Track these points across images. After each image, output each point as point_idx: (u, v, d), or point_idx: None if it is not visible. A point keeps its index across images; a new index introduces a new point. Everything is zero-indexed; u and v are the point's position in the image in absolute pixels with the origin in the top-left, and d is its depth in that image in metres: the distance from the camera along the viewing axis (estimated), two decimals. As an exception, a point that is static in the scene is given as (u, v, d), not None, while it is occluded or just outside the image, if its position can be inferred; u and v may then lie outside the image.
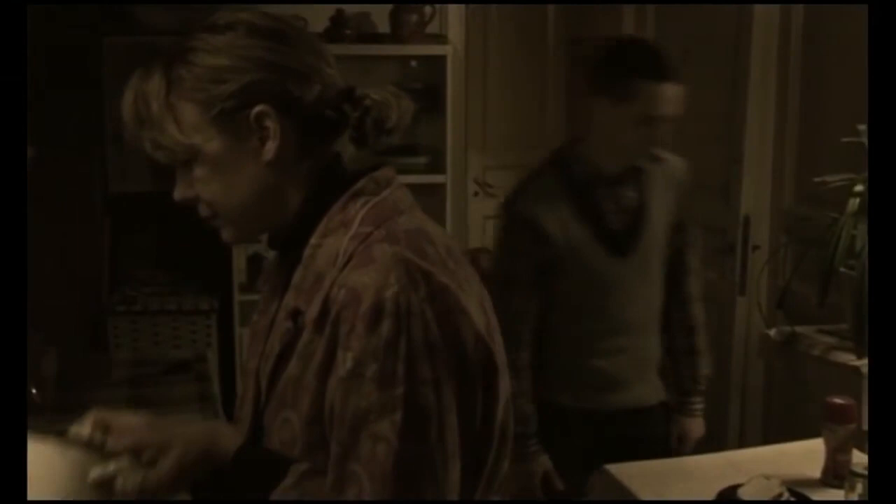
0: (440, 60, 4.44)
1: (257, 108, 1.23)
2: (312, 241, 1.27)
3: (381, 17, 4.47)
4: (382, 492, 1.14)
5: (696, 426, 2.68)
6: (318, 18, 4.32)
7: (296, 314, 1.25)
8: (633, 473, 2.30)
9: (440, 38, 4.59)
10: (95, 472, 1.21)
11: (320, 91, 1.27)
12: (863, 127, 2.91)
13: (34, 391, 2.44)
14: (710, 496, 2.16)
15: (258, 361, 1.33)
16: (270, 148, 1.25)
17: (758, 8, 3.73)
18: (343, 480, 1.16)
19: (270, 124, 1.24)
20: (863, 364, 2.85)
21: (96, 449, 1.24)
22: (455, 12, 4.71)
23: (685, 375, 2.68)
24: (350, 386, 1.16)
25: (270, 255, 1.42)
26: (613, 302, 2.50)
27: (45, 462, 1.21)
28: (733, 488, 2.14)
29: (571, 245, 2.43)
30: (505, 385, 1.28)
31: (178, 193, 1.31)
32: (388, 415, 1.14)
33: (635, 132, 2.37)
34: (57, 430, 1.28)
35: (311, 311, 1.22)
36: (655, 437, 2.63)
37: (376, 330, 1.14)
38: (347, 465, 1.16)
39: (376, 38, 4.48)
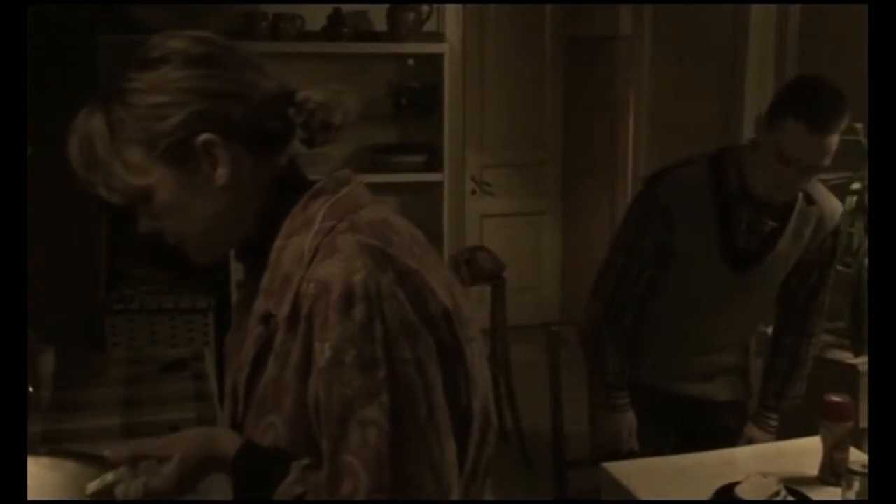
0: (437, 59, 4.44)
1: (202, 138, 1.23)
2: (277, 243, 1.27)
3: (378, 15, 4.47)
4: (379, 478, 1.14)
5: (765, 438, 2.73)
6: (315, 17, 4.32)
7: (267, 318, 1.24)
8: (631, 471, 2.30)
9: (437, 37, 4.58)
10: (93, 484, 1.21)
11: (261, 105, 1.27)
12: (859, 125, 2.91)
13: (31, 390, 2.44)
14: (708, 494, 2.16)
15: (234, 375, 1.33)
16: (222, 174, 1.25)
17: (754, 7, 3.73)
18: (338, 473, 1.16)
19: (218, 151, 1.24)
20: (860, 362, 2.86)
21: (94, 461, 1.24)
22: (452, 11, 4.71)
23: (772, 392, 2.73)
24: (332, 376, 1.15)
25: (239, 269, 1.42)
26: (710, 311, 2.59)
27: (36, 480, 1.21)
28: (731, 486, 2.15)
29: (694, 243, 2.49)
30: (481, 370, 1.28)
31: (142, 227, 1.31)
32: (375, 399, 1.14)
33: (776, 166, 2.34)
34: (54, 430, 1.28)
35: (283, 311, 1.21)
36: (723, 429, 2.72)
37: (349, 316, 1.14)
38: (340, 457, 1.15)
39: (374, 37, 4.47)
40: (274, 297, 1.24)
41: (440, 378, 1.19)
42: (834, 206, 2.56)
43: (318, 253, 1.21)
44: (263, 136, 1.28)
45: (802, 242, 2.53)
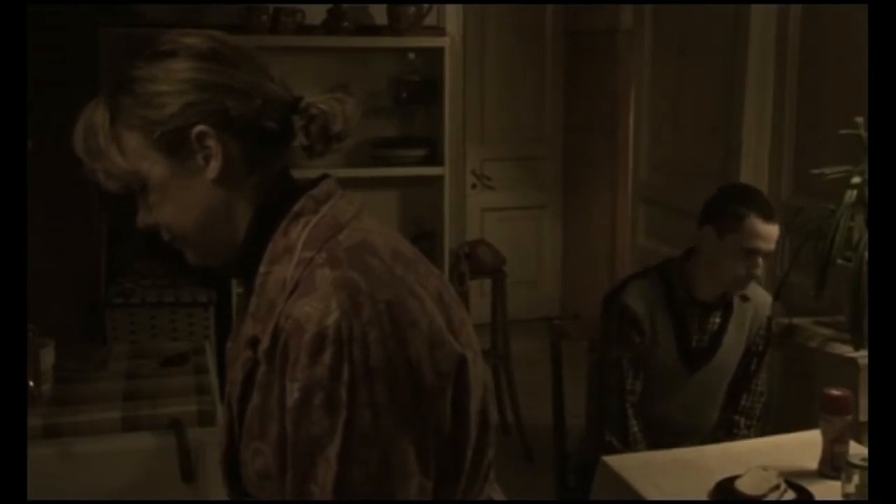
0: (438, 52, 4.44)
1: (197, 129, 1.24)
2: (261, 269, 1.27)
3: (378, 9, 4.46)
4: None
5: None
6: (315, 11, 4.32)
7: (255, 343, 1.25)
8: (632, 465, 2.31)
9: (438, 31, 4.58)
10: None
11: (261, 106, 1.27)
12: (860, 119, 2.91)
13: (31, 383, 2.44)
14: (708, 487, 2.16)
15: (230, 386, 1.34)
16: (214, 167, 1.26)
17: (755, 4, 3.73)
18: (303, 499, 1.18)
19: (212, 143, 1.25)
20: (860, 355, 2.86)
21: None
22: (453, 5, 4.70)
23: None
24: (300, 415, 1.17)
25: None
26: (675, 405, 2.78)
27: None
28: (731, 480, 2.15)
29: (657, 344, 2.73)
30: (476, 374, 1.28)
31: (140, 221, 1.32)
32: (335, 439, 1.15)
33: (734, 263, 2.62)
34: (54, 424, 1.28)
35: (264, 343, 1.22)
36: None
37: (319, 359, 1.15)
38: (307, 486, 1.17)
39: (374, 31, 4.47)
40: (261, 324, 1.25)
41: (408, 420, 1.18)
42: (765, 299, 2.84)
43: (298, 286, 1.21)
44: (261, 136, 1.28)
45: (744, 334, 2.79)
